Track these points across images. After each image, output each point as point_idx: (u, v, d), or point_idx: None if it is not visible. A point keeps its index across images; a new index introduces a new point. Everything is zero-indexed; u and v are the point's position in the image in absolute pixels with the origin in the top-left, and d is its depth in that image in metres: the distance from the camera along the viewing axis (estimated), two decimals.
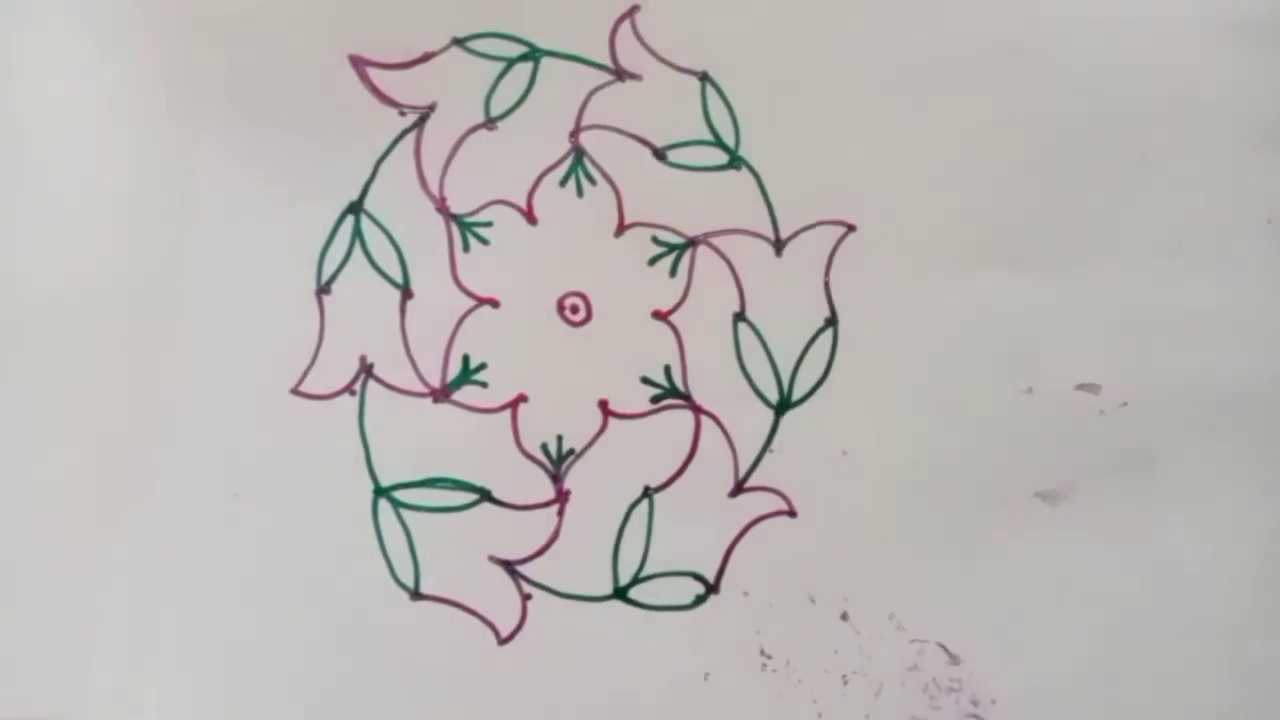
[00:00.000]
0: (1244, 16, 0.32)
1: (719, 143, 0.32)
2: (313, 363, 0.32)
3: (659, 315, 0.32)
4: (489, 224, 0.32)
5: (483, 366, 0.32)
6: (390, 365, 0.32)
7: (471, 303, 0.32)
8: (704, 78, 0.32)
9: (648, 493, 0.32)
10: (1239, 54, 0.32)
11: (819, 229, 0.33)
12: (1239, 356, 0.32)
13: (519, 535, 0.32)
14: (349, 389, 0.32)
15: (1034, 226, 0.32)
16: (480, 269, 0.32)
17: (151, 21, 0.32)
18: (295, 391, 0.32)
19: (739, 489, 0.33)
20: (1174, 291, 0.33)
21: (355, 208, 0.32)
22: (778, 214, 0.33)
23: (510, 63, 0.32)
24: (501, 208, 0.32)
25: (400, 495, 0.32)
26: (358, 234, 0.32)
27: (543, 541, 0.32)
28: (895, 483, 0.32)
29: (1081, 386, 0.33)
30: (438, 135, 0.32)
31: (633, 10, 0.32)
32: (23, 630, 0.31)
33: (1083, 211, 0.32)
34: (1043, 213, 0.32)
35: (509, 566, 0.32)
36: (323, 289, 0.32)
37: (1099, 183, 0.32)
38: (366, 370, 0.32)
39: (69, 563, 0.31)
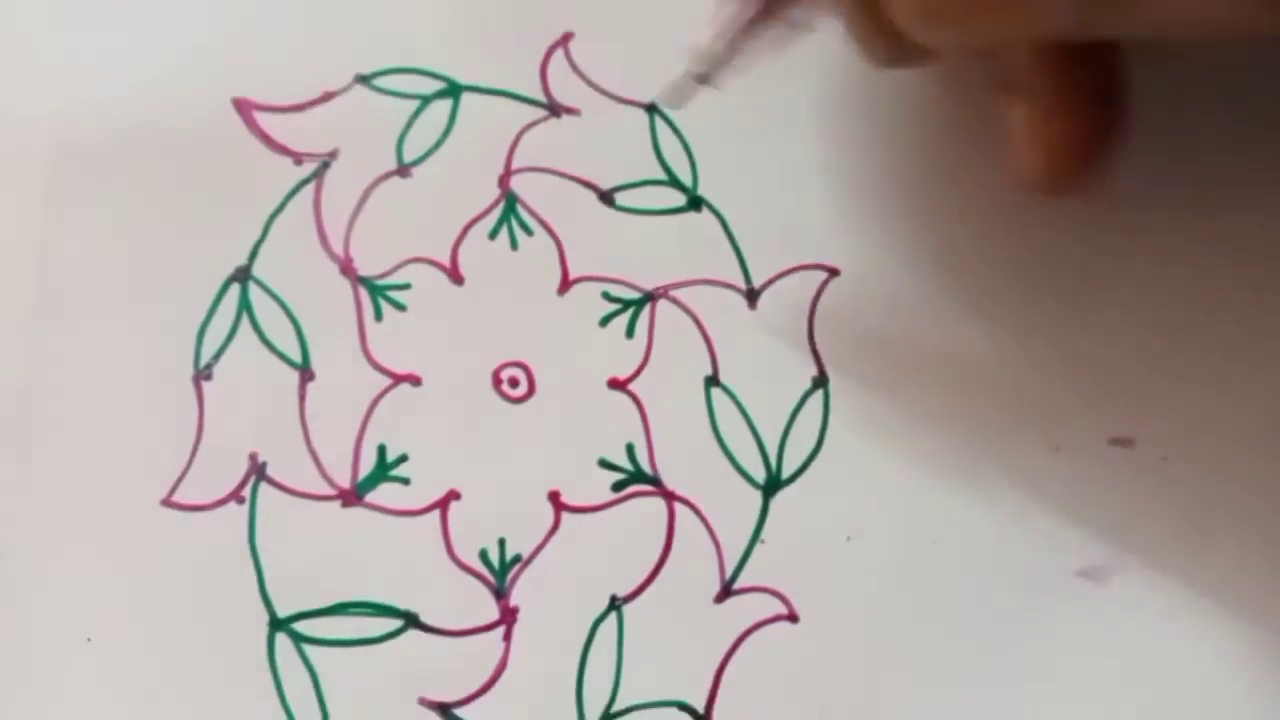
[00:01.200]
0: None
1: (674, 181, 0.28)
2: (189, 465, 0.26)
3: (616, 384, 0.27)
4: (405, 286, 0.27)
5: (403, 459, 0.26)
6: (287, 463, 0.26)
7: (387, 381, 0.27)
8: (652, 109, 0.28)
9: (615, 604, 0.26)
10: None
11: (797, 274, 0.28)
12: None
13: (456, 669, 0.26)
14: (235, 495, 0.26)
15: (1043, 256, 0.28)
16: (397, 340, 0.27)
17: None
18: (167, 503, 0.26)
19: (726, 592, 0.27)
20: (1206, 317, 0.28)
21: (242, 274, 0.27)
22: (748, 259, 0.28)
23: (425, 100, 0.28)
24: (420, 266, 0.27)
25: (303, 627, 0.25)
26: (245, 305, 0.26)
27: (487, 675, 0.26)
28: (912, 570, 0.27)
29: (1115, 441, 0.28)
30: (341, 186, 0.27)
31: (566, 38, 0.28)
32: None
33: (1100, 230, 0.28)
34: (1055, 236, 0.28)
35: (445, 710, 0.25)
36: (202, 373, 0.26)
37: None
38: (258, 471, 0.26)
39: None
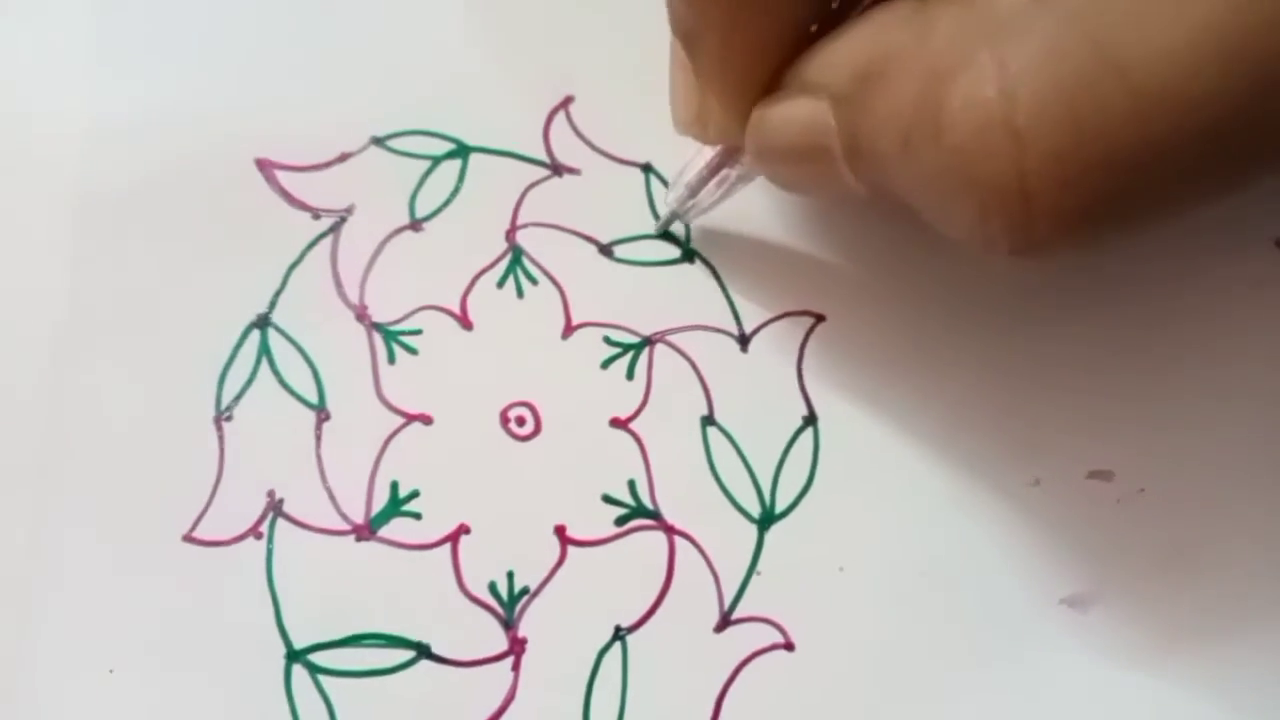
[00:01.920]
0: None
1: (669, 235, 0.30)
2: (210, 502, 0.27)
3: (618, 423, 0.28)
4: (417, 332, 0.28)
5: (415, 495, 0.27)
6: (304, 500, 0.27)
7: (400, 420, 0.28)
8: (647, 169, 0.30)
9: (619, 634, 0.27)
10: None
11: (785, 320, 0.30)
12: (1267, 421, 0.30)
13: (467, 698, 0.26)
14: (254, 531, 0.27)
15: (1019, 292, 0.30)
16: (409, 382, 0.28)
17: (33, 131, 0.28)
18: (188, 538, 0.26)
19: (725, 621, 0.28)
20: (1182, 350, 0.30)
21: (263, 321, 0.28)
22: (739, 307, 0.30)
23: (436, 160, 0.29)
24: (432, 313, 0.29)
25: (318, 659, 0.26)
26: (265, 350, 0.28)
27: (497, 704, 0.26)
28: (901, 599, 0.28)
29: (1093, 474, 0.29)
30: (357, 239, 0.29)
31: (567, 101, 0.30)
32: None
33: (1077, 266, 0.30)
34: (1032, 273, 0.30)
35: None
36: (223, 415, 0.27)
37: None
38: (275, 508, 0.27)
39: None
